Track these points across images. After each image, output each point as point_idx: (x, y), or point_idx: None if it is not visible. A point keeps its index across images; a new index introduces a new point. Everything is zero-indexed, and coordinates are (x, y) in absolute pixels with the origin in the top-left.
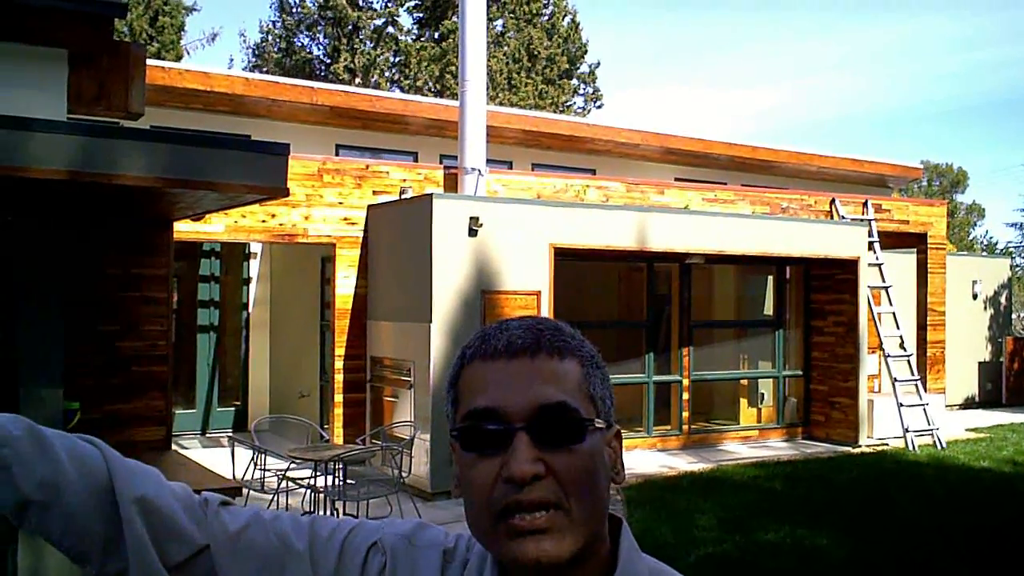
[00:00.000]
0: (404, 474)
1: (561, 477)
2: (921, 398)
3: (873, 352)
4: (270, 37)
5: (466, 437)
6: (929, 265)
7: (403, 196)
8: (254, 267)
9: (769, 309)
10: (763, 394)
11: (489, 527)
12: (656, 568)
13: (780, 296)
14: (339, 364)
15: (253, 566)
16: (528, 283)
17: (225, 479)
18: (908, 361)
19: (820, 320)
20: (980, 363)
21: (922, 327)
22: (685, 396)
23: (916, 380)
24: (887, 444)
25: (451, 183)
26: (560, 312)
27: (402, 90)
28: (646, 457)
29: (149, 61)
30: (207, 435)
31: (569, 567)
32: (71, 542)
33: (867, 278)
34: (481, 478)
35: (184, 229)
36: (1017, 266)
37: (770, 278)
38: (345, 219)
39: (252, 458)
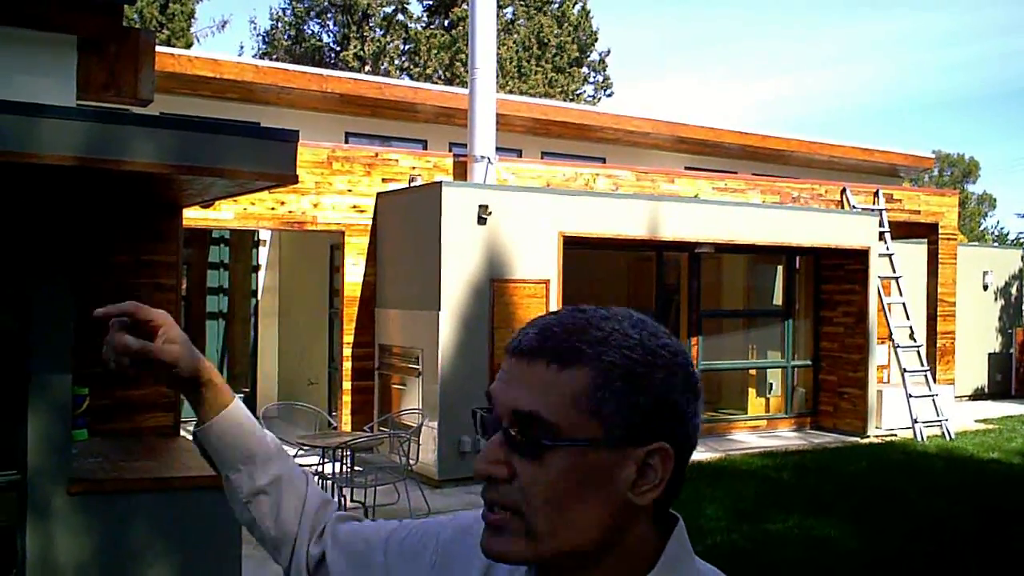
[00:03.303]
0: (412, 462)
1: (525, 486)
2: (930, 389)
3: (883, 342)
4: (280, 24)
5: (475, 419)
6: (940, 255)
7: (412, 184)
8: (263, 254)
9: (779, 299)
10: (772, 384)
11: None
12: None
13: (790, 286)
14: (348, 352)
15: (348, 565)
16: (537, 271)
17: None
18: (918, 352)
19: (830, 310)
20: (990, 354)
21: (932, 318)
22: None
23: (925, 371)
24: (895, 435)
25: (460, 171)
26: (568, 301)
27: (412, 78)
28: None
29: (159, 48)
30: None
31: (578, 565)
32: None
33: (877, 268)
34: None
35: (193, 216)
36: None
37: (780, 268)
38: (354, 207)
39: None
